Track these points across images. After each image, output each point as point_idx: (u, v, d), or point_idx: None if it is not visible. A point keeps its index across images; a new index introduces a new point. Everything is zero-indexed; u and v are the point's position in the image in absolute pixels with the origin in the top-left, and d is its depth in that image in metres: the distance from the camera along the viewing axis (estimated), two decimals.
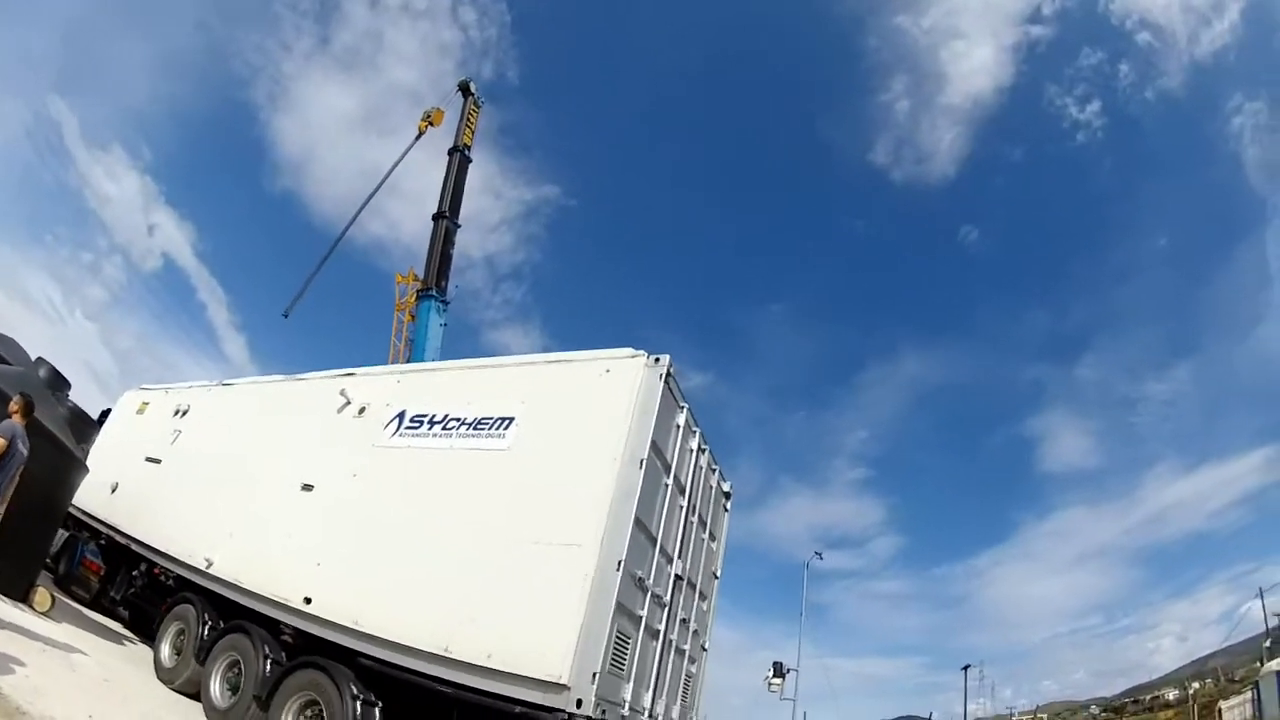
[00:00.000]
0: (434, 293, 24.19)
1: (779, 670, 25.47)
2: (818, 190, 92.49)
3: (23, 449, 6.06)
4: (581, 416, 5.87)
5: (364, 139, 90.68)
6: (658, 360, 5.88)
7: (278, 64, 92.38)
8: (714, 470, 7.47)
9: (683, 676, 6.63)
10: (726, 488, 7.94)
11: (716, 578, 7.68)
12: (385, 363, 22.33)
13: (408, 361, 22.06)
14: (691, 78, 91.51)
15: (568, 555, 5.09)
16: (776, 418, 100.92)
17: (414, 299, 24.80)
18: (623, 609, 5.21)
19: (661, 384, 5.85)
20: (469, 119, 27.51)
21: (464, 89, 28.16)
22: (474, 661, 5.08)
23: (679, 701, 6.54)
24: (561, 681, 4.63)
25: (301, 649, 6.46)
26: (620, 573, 5.09)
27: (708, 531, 7.29)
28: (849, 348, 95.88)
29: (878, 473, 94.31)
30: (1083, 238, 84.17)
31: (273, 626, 6.75)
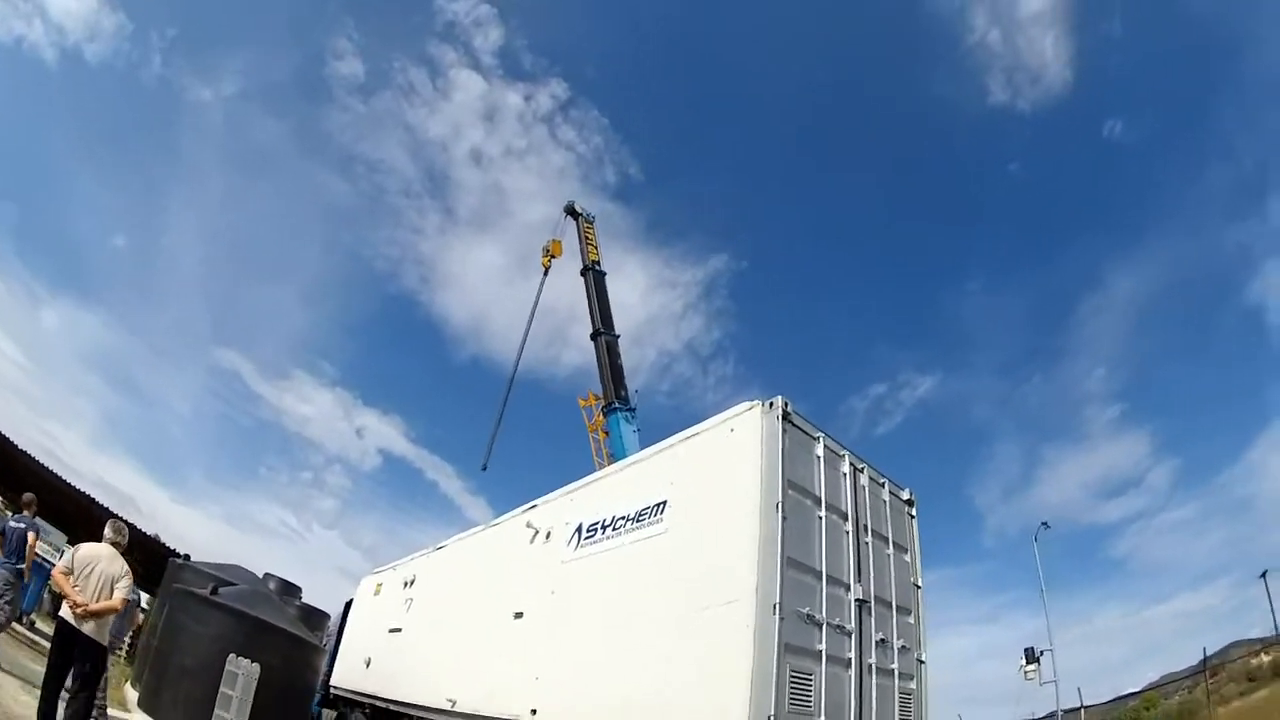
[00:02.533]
0: (617, 405, 25.37)
1: (1031, 656, 24.07)
2: (962, 153, 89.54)
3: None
4: (719, 479, 6.55)
5: (523, 280, 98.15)
6: (772, 405, 6.41)
7: (415, 248, 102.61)
8: (881, 484, 7.71)
9: (894, 697, 6.72)
10: (906, 495, 8.12)
11: (918, 588, 7.73)
12: None
13: None
14: (786, 95, 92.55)
15: (728, 612, 5.68)
16: (1016, 392, 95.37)
17: (602, 417, 26.01)
18: (793, 649, 5.66)
19: (780, 425, 6.34)
20: (587, 237, 29.33)
21: (570, 212, 30.28)
22: None
23: None
24: None
25: None
26: (778, 615, 5.57)
27: (891, 545, 7.47)
28: (1054, 293, 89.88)
29: (1129, 404, 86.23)
30: (1220, 67, 74.93)
31: None
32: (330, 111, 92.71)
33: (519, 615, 8.67)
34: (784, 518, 5.94)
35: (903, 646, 7.07)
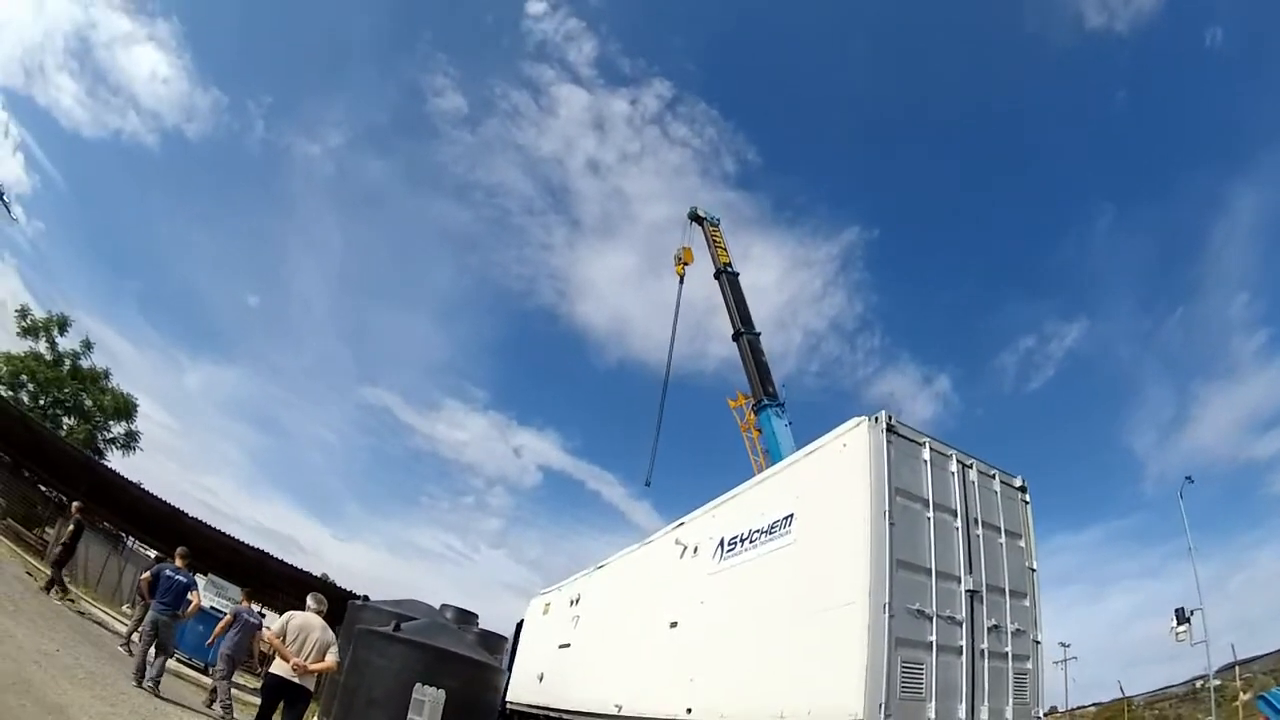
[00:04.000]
0: (766, 402, 25.95)
1: (1181, 617, 23.99)
2: (1066, 88, 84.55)
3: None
4: (835, 492, 7.45)
5: (657, 281, 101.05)
6: (877, 419, 7.29)
7: (546, 263, 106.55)
8: (991, 476, 8.28)
9: (1009, 676, 7.31)
10: (1018, 483, 8.61)
11: (1033, 571, 8.22)
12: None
13: None
14: (886, 54, 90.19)
15: (846, 613, 6.55)
16: (1158, 329, 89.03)
17: (753, 415, 26.77)
18: (905, 642, 6.46)
19: (884, 437, 7.19)
20: (714, 240, 30.19)
21: (695, 218, 31.24)
22: None
23: (1010, 702, 7.21)
24: (859, 717, 5.98)
25: None
26: (888, 613, 6.38)
27: (1004, 534, 8.03)
28: (1185, 221, 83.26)
29: (1275, 328, 78.63)
30: None
31: None
32: (439, 145, 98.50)
33: (674, 624, 9.83)
34: (891, 524, 6.75)
35: (1016, 630, 7.66)
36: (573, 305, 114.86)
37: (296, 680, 8.00)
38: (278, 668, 8.03)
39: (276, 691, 8.02)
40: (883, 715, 5.96)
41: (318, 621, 8.36)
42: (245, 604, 13.36)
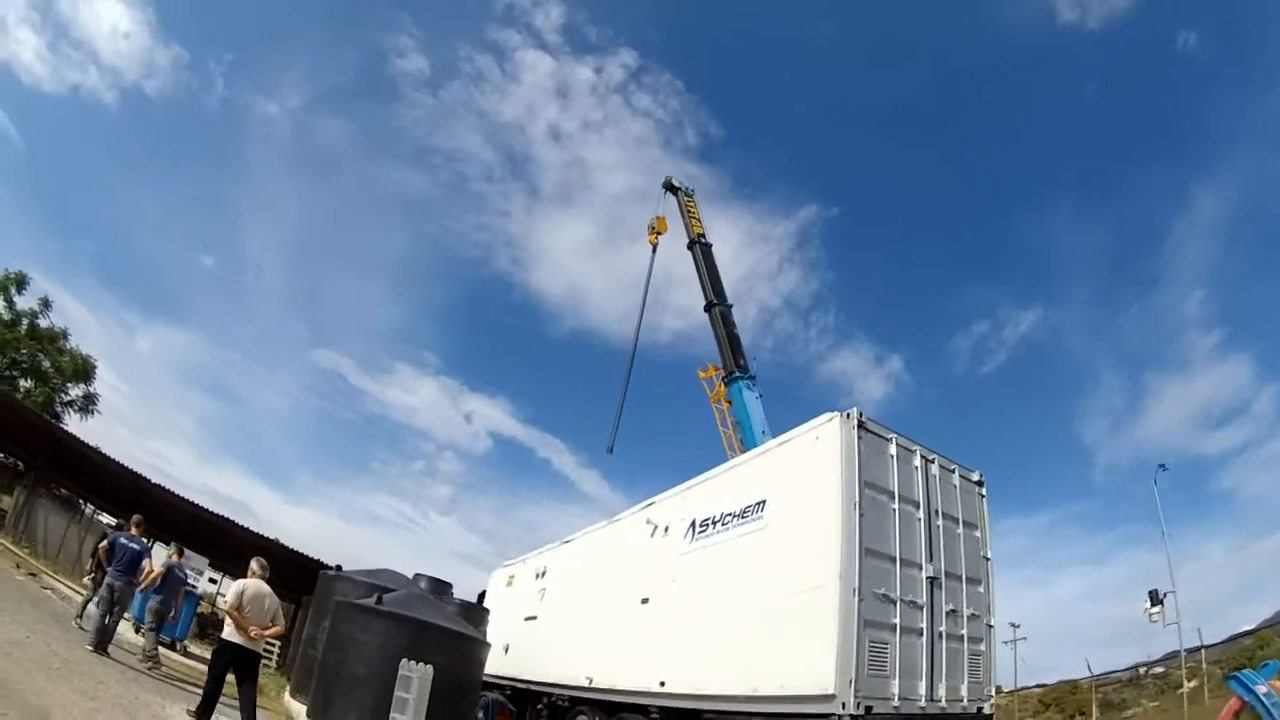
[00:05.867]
0: (738, 374, 26.31)
1: (1155, 598, 25.31)
2: (1036, 81, 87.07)
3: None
4: (807, 482, 8.03)
5: (615, 250, 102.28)
6: (849, 415, 7.85)
7: (503, 230, 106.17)
8: (951, 470, 9.01)
9: (964, 657, 8.10)
10: (975, 477, 9.38)
11: (987, 560, 9.03)
12: (722, 450, 25.83)
13: (741, 442, 24.92)
14: (853, 36, 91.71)
15: (818, 596, 7.16)
16: (1113, 320, 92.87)
17: (723, 387, 27.12)
18: (871, 623, 7.09)
19: (855, 433, 7.76)
20: (689, 210, 30.29)
21: (669, 187, 31.29)
22: (774, 693, 7.34)
23: (965, 680, 8.01)
24: (829, 692, 6.65)
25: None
26: (858, 597, 6.99)
27: (962, 525, 8.77)
28: (1145, 216, 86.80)
29: (1231, 327, 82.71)
30: None
31: (643, 710, 9.60)
32: (399, 108, 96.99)
33: (645, 601, 10.41)
34: (861, 514, 7.35)
35: (972, 614, 8.43)
36: (528, 273, 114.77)
37: (250, 647, 8.35)
38: (233, 635, 8.25)
39: (232, 659, 8.32)
40: (853, 690, 6.57)
41: (266, 587, 8.66)
42: (176, 559, 13.64)
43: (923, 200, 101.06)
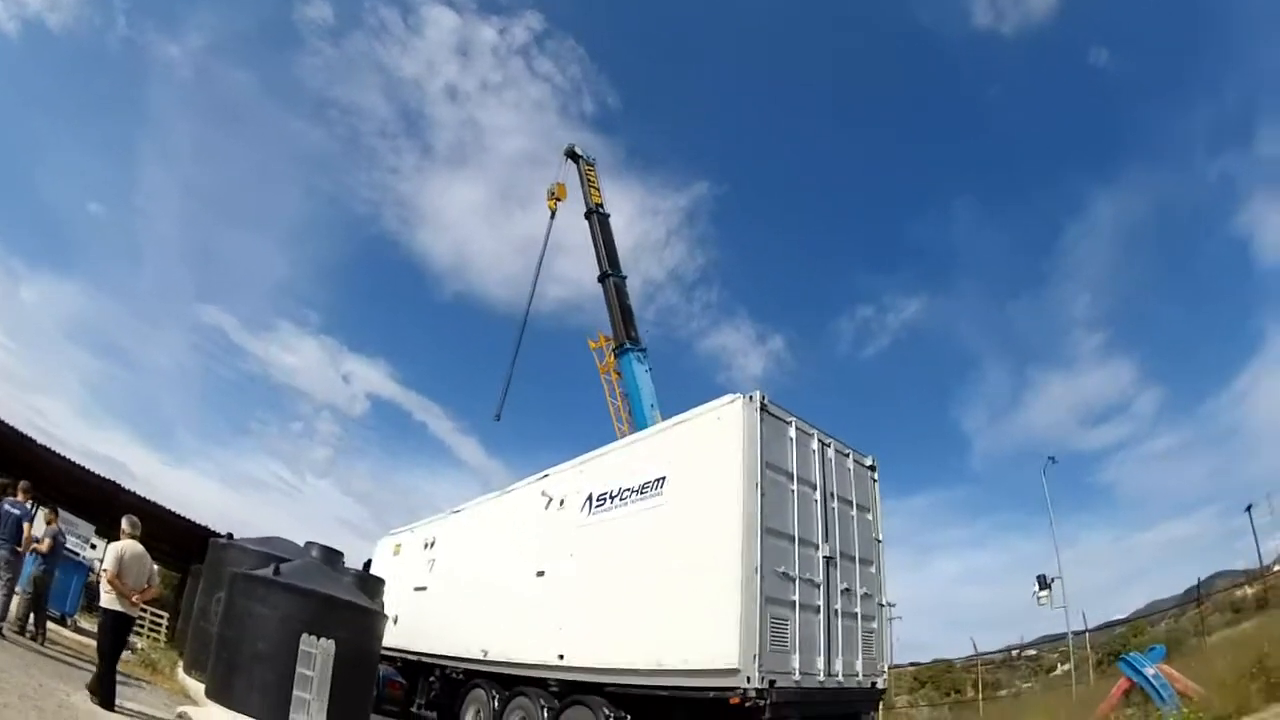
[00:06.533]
0: (629, 346, 26.29)
1: (1043, 583, 26.84)
2: (941, 76, 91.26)
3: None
4: (709, 461, 8.21)
5: (506, 216, 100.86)
6: (751, 398, 8.08)
7: (395, 188, 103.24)
8: (846, 455, 9.45)
9: (859, 634, 8.65)
10: (869, 462, 9.90)
11: (879, 541, 9.63)
12: (610, 422, 26.16)
13: (630, 414, 25.24)
14: (764, 16, 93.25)
15: (720, 572, 7.40)
16: (1002, 314, 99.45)
17: (613, 358, 27.12)
18: (772, 600, 7.41)
19: (758, 415, 7.99)
20: (589, 179, 30.00)
21: (571, 155, 30.84)
22: (678, 667, 7.61)
23: (860, 656, 8.58)
24: (733, 667, 6.94)
25: (565, 693, 9.31)
26: (760, 575, 7.29)
27: (855, 507, 9.27)
28: (1039, 215, 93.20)
29: (1115, 330, 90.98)
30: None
31: (541, 684, 9.72)
32: (301, 57, 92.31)
33: (540, 574, 10.46)
34: (762, 494, 7.62)
35: (865, 594, 8.96)
36: (415, 234, 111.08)
37: (131, 613, 8.01)
38: (115, 603, 7.80)
39: (126, 626, 8.05)
40: (755, 664, 6.87)
41: (140, 548, 8.21)
42: (52, 523, 12.74)
43: (817, 186, 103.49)
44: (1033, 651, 31.77)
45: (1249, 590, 25.52)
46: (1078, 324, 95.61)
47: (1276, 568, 26.47)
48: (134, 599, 7.92)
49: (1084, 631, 26.53)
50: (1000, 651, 32.05)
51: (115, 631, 7.91)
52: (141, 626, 19.27)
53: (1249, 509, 27.35)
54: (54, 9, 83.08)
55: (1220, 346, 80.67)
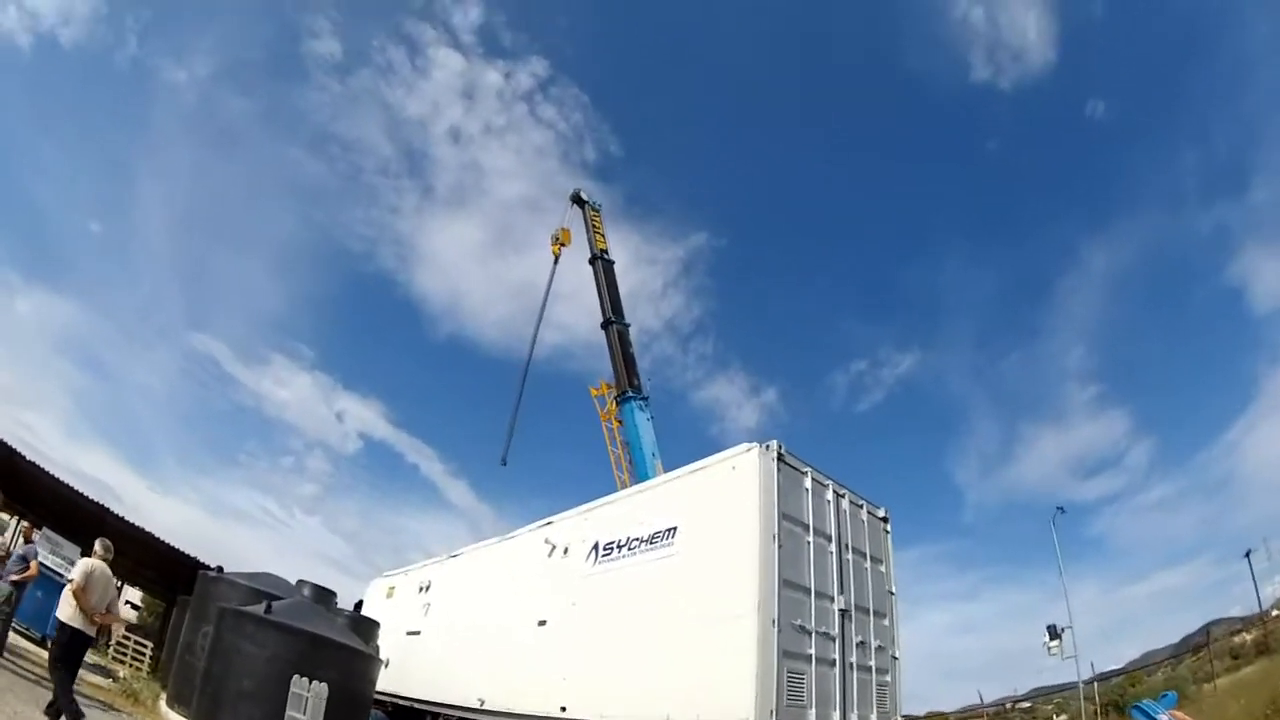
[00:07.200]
0: (630, 394, 26.23)
1: (1054, 633, 26.61)
2: (941, 129, 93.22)
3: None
4: (723, 511, 8.14)
5: (502, 260, 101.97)
6: (768, 447, 8.03)
7: (392, 227, 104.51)
8: (860, 505, 9.40)
9: (873, 688, 8.51)
10: (881, 513, 9.85)
11: (892, 594, 9.52)
12: (610, 470, 26.10)
13: (630, 463, 25.15)
14: (765, 71, 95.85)
15: (735, 626, 7.28)
16: (993, 367, 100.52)
17: (615, 406, 27.08)
18: (789, 654, 7.30)
19: (774, 465, 7.97)
20: (594, 225, 30.22)
21: (577, 200, 31.14)
22: None
23: (875, 710, 8.42)
24: None
25: None
26: (776, 628, 7.19)
27: (869, 559, 9.19)
28: (1032, 270, 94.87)
29: (1108, 384, 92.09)
30: (1199, 54, 79.15)
31: None
32: (305, 91, 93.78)
33: (542, 623, 10.26)
34: (779, 545, 7.56)
35: (879, 646, 8.84)
36: (412, 273, 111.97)
37: (88, 631, 7.79)
38: (74, 619, 7.64)
39: (85, 643, 7.86)
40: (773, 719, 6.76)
41: (109, 572, 8.15)
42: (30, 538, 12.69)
43: (815, 237, 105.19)
44: (1026, 704, 31.40)
45: (1248, 636, 25.41)
46: (1070, 377, 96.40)
47: (1275, 613, 26.35)
48: (95, 618, 7.77)
49: (1092, 680, 26.48)
50: (994, 705, 31.74)
51: (69, 648, 7.74)
52: (124, 654, 19.00)
53: (1248, 554, 27.35)
54: (68, 23, 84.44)
55: (1213, 397, 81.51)
